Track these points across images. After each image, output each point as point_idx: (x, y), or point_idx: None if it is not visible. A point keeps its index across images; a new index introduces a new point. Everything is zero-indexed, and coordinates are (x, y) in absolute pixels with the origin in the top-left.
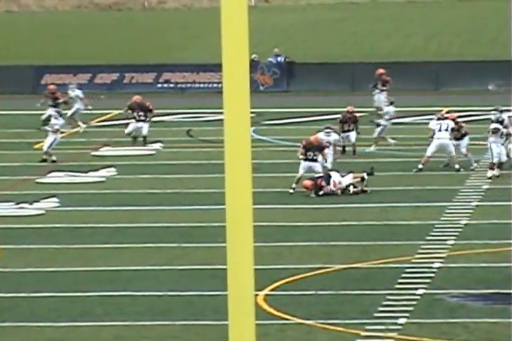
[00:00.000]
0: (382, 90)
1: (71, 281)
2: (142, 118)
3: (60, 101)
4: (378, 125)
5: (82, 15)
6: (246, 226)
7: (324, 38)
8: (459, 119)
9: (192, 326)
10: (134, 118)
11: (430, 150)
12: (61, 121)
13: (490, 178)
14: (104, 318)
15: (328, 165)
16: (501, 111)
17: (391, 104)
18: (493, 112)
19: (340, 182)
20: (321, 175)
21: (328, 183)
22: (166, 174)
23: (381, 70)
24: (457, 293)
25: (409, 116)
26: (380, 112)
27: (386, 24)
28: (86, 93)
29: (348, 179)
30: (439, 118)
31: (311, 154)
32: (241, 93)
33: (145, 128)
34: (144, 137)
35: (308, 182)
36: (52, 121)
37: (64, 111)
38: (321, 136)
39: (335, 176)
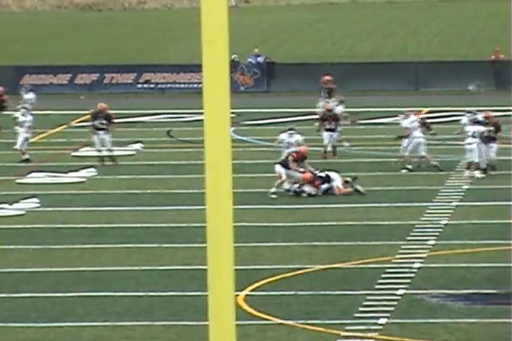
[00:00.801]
0: (327, 98)
1: (51, 282)
2: (104, 126)
3: (5, 104)
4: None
5: (62, 15)
6: (226, 226)
7: (304, 38)
8: (428, 120)
9: (172, 326)
10: (94, 125)
11: (409, 149)
12: (29, 117)
13: (484, 175)
14: (84, 319)
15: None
16: (475, 113)
17: (341, 102)
18: (468, 115)
19: (345, 188)
20: (323, 175)
21: (322, 184)
22: (146, 174)
23: (327, 77)
24: (437, 293)
25: (389, 116)
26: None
27: (365, 24)
28: (65, 94)
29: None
30: (407, 117)
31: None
32: (221, 93)
33: (107, 141)
34: (110, 150)
35: (307, 176)
36: (21, 118)
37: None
38: (283, 136)
39: (336, 178)
